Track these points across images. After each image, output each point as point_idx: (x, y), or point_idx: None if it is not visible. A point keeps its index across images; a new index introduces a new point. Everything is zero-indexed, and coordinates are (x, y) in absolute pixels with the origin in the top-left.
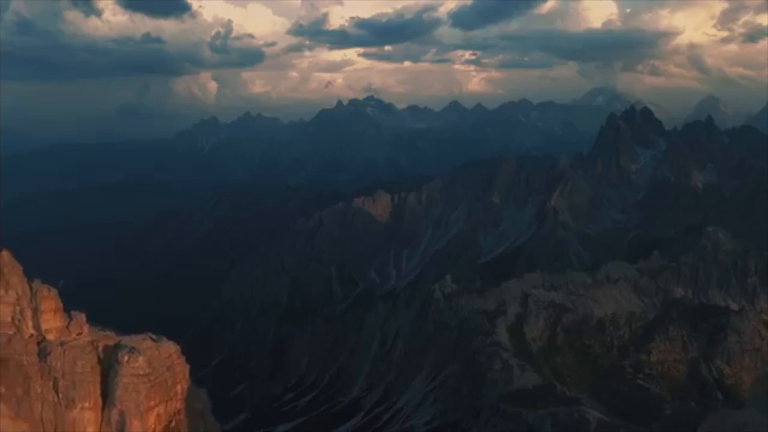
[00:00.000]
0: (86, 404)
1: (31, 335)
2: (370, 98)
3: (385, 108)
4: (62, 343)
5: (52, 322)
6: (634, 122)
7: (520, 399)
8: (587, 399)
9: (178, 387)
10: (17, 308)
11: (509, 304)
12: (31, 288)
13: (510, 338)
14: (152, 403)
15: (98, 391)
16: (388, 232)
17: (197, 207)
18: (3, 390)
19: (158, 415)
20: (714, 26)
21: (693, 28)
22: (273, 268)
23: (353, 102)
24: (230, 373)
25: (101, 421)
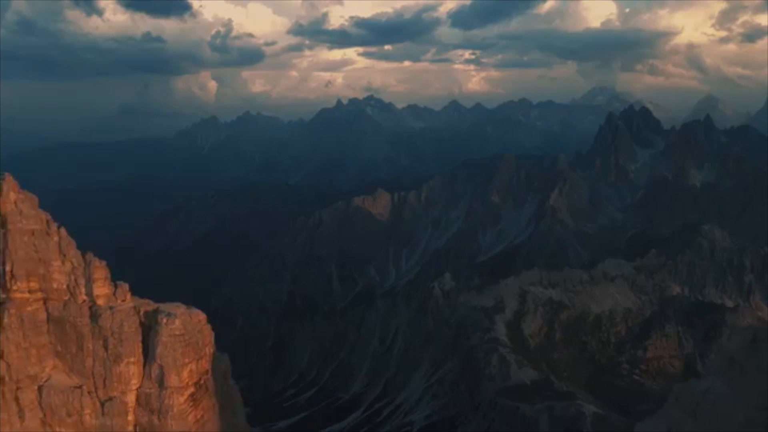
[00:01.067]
0: (131, 359)
1: (84, 300)
2: (369, 98)
3: (385, 107)
4: (110, 308)
5: (101, 289)
6: (632, 122)
7: (517, 394)
8: (583, 394)
9: (207, 349)
10: (72, 277)
11: (507, 301)
12: (84, 259)
13: (508, 334)
14: (186, 360)
15: (140, 349)
16: (388, 230)
17: (197, 205)
18: (59, 348)
19: (191, 371)
20: (712, 26)
21: (691, 27)
22: (273, 266)
23: (353, 101)
24: (232, 370)
25: (143, 375)
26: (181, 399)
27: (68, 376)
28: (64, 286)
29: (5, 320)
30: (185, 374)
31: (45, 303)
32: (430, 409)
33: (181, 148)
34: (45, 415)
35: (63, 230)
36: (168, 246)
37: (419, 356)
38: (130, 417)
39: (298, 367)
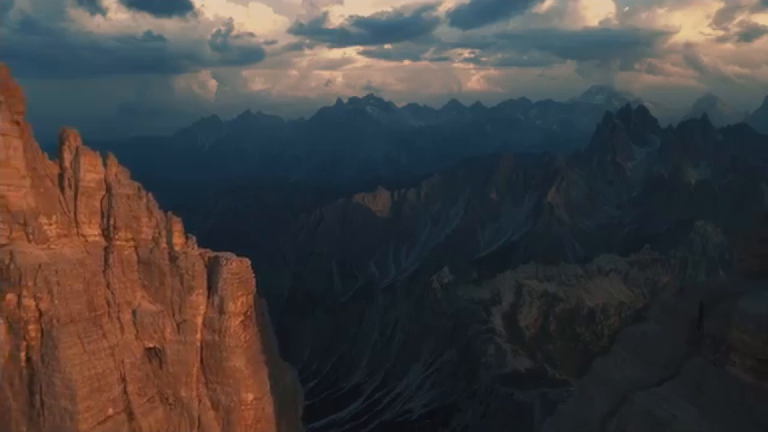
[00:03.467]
0: (200, 291)
1: (164, 247)
2: (369, 96)
3: (385, 106)
4: (184, 252)
5: (178, 239)
6: (630, 120)
7: (512, 381)
8: (576, 381)
9: (251, 287)
10: (156, 230)
11: (504, 294)
12: (165, 216)
13: (504, 325)
14: (239, 293)
15: (206, 284)
16: (388, 227)
17: (199, 203)
18: (146, 282)
19: (242, 302)
20: (710, 25)
21: (689, 26)
22: (275, 262)
23: (353, 100)
24: None
25: (207, 303)
26: (236, 322)
27: (153, 304)
28: (150, 237)
29: (110, 260)
30: (238, 304)
31: (136, 249)
32: (429, 397)
33: (181, 146)
34: (137, 331)
35: (150, 194)
36: None
37: (418, 347)
38: (198, 335)
39: (300, 359)
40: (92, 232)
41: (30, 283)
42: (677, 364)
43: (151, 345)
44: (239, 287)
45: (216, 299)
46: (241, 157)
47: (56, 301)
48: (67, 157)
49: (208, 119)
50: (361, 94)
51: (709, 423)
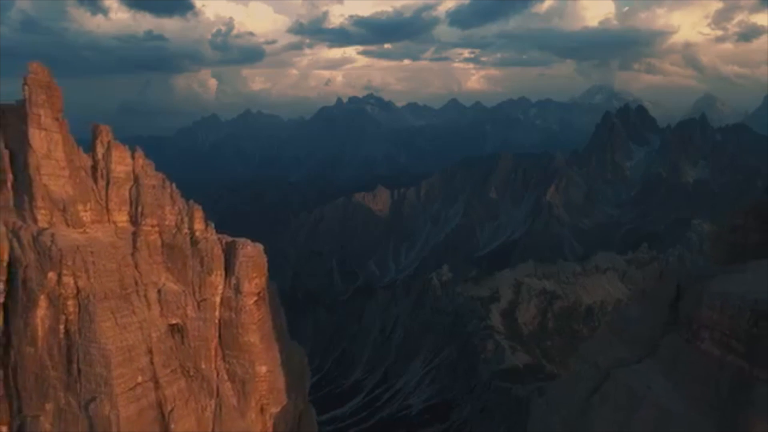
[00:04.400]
0: (218, 272)
1: (186, 232)
2: (369, 96)
3: (385, 106)
4: (205, 237)
5: (198, 225)
6: (628, 120)
7: (510, 376)
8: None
9: (264, 270)
10: (179, 216)
11: (503, 292)
12: (188, 204)
13: (503, 322)
14: (254, 275)
15: (224, 266)
16: (388, 226)
17: (199, 203)
18: (170, 264)
19: (256, 283)
20: (708, 25)
21: (688, 26)
22: (275, 261)
23: (353, 100)
24: None
25: (225, 284)
26: (250, 301)
27: (176, 284)
28: (174, 223)
29: (138, 244)
30: (253, 285)
31: (161, 234)
32: (429, 393)
33: (181, 146)
34: (162, 308)
35: (173, 185)
36: None
37: (418, 344)
38: (216, 313)
39: None
40: (122, 218)
41: (69, 263)
42: (655, 343)
43: (174, 321)
44: (254, 269)
45: (233, 280)
46: (241, 157)
47: (92, 279)
48: (100, 150)
49: (208, 118)
50: (361, 94)
51: (680, 394)
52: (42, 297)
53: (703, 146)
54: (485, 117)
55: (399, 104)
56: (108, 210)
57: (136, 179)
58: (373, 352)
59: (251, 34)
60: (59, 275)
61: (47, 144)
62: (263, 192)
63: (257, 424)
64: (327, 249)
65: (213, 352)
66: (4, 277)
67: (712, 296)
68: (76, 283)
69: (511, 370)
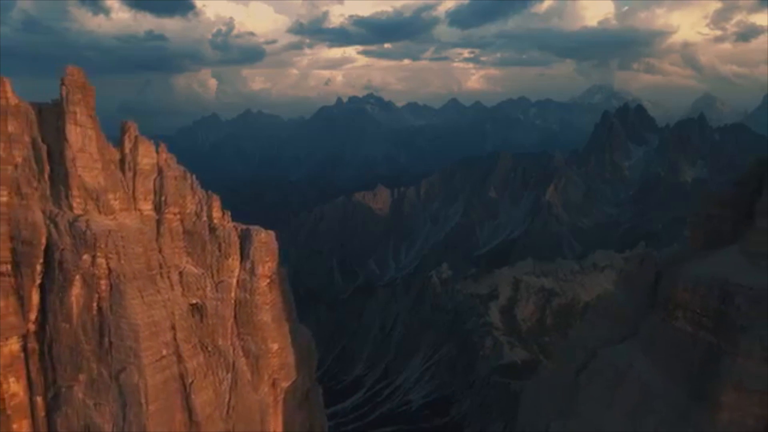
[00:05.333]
0: (235, 257)
1: (205, 220)
2: (369, 96)
3: (385, 105)
4: (222, 225)
5: (216, 213)
6: (627, 120)
7: (509, 371)
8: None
9: (276, 255)
10: (198, 205)
11: (502, 289)
12: (207, 194)
13: (502, 319)
14: (266, 259)
15: (239, 251)
16: (388, 225)
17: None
18: (190, 249)
19: (269, 267)
20: (707, 25)
21: (687, 26)
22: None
23: (353, 99)
24: None
25: (240, 267)
26: (263, 283)
27: (195, 267)
28: (194, 211)
29: (161, 230)
30: (266, 268)
31: (182, 221)
32: (428, 388)
33: (181, 145)
34: (183, 289)
35: (193, 176)
36: None
37: (418, 340)
38: (233, 294)
39: None
40: (147, 207)
41: (102, 246)
42: (636, 324)
43: (194, 301)
44: (266, 254)
45: (248, 264)
46: (242, 156)
47: (122, 261)
48: (128, 144)
49: (209, 118)
50: (361, 94)
51: (659, 369)
52: (77, 277)
53: (702, 146)
54: (485, 117)
55: (399, 104)
56: (135, 199)
57: (160, 171)
58: (374, 349)
59: (251, 34)
60: (93, 257)
61: (82, 139)
62: (263, 192)
63: (269, 396)
64: (327, 248)
65: (229, 330)
66: (41, 260)
67: (686, 278)
68: (108, 264)
69: (509, 366)
